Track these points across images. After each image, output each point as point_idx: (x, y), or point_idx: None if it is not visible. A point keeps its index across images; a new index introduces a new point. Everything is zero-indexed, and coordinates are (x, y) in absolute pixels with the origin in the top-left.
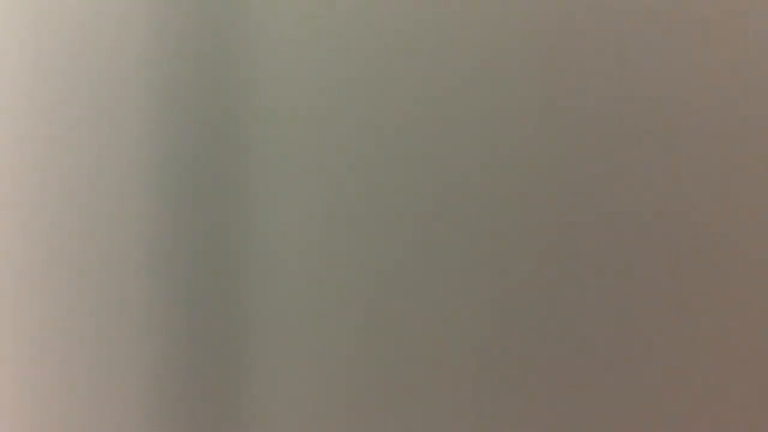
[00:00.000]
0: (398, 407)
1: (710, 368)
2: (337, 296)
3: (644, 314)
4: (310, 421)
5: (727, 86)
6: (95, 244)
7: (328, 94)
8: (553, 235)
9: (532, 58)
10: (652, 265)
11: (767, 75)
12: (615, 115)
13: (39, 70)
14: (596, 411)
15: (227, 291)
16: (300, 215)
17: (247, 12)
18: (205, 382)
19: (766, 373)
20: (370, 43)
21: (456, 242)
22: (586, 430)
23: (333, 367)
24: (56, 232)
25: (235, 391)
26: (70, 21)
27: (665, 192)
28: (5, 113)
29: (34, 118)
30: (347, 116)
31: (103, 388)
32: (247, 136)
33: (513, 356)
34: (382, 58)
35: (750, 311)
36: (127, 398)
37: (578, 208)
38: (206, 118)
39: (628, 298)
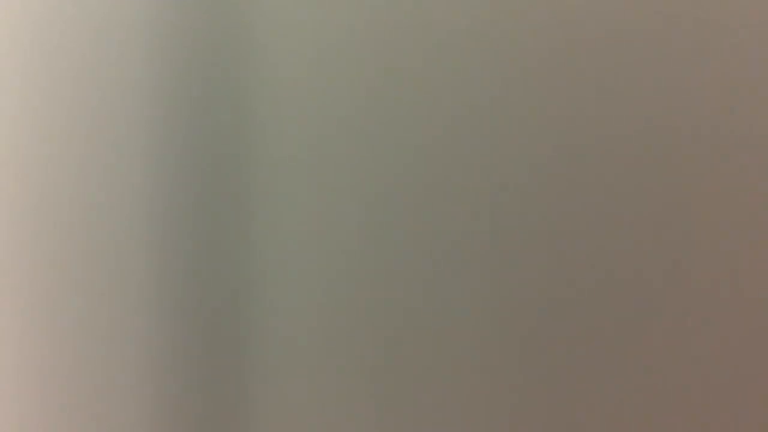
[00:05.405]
0: (398, 408)
1: (710, 368)
2: (338, 297)
3: (646, 314)
4: (310, 422)
5: (727, 87)
6: (95, 245)
7: (331, 95)
8: (555, 234)
9: (535, 59)
10: (652, 266)
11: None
12: (617, 116)
13: (40, 71)
14: (598, 411)
15: (229, 292)
16: (303, 216)
17: (248, 12)
18: (207, 383)
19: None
20: (371, 44)
21: (459, 242)
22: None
23: (334, 367)
24: (58, 233)
25: (236, 391)
26: (71, 21)
27: (667, 192)
28: (6, 114)
29: (35, 119)
30: (348, 117)
31: (103, 389)
32: (248, 136)
33: (515, 357)
34: (383, 59)
35: (750, 311)
36: (129, 399)
37: (578, 208)
38: (207, 117)
39: (631, 298)
